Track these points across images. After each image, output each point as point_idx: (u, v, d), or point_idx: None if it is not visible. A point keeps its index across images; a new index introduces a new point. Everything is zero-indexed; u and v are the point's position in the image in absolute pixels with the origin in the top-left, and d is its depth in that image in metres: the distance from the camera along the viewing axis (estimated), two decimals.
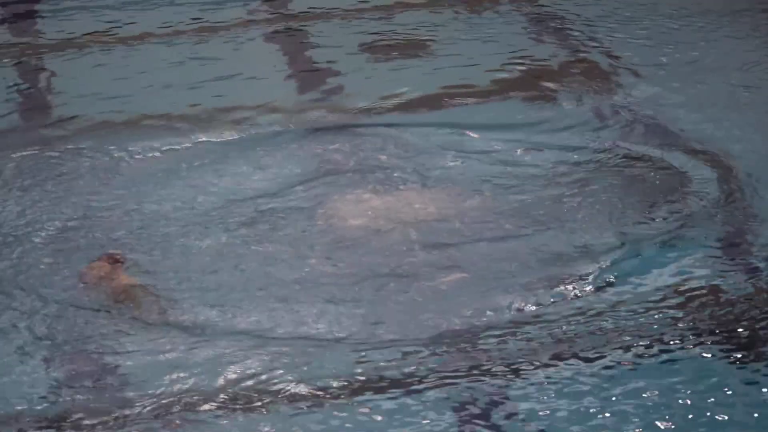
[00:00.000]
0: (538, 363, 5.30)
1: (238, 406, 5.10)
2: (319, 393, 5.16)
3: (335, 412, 5.07)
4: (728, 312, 5.58)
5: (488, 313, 5.62)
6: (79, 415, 5.09)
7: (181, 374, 5.27)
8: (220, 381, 5.23)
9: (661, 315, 5.56)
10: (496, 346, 5.40)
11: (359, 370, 5.28)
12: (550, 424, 4.98)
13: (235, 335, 5.49)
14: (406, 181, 6.71)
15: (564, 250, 6.05)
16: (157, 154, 7.08)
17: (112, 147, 7.14)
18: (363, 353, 5.38)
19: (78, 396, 5.20)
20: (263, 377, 5.24)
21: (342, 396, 5.16)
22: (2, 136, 7.43)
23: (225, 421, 5.04)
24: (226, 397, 5.15)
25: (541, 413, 5.03)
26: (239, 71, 8.19)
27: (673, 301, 5.66)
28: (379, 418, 5.05)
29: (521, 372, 5.25)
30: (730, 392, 5.10)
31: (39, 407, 5.15)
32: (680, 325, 5.49)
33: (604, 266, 5.91)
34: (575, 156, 6.92)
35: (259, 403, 5.12)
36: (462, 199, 6.52)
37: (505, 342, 5.42)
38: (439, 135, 7.23)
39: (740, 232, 6.21)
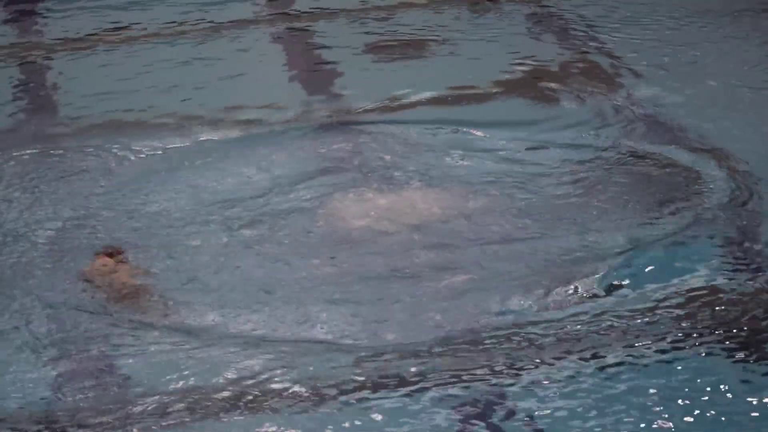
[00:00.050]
0: (539, 362, 5.30)
1: (239, 406, 5.11)
2: (320, 393, 5.17)
3: (336, 413, 5.08)
4: (730, 312, 5.57)
5: (491, 313, 5.61)
6: (80, 414, 5.10)
7: (182, 374, 5.27)
8: (222, 381, 5.24)
9: (663, 315, 5.55)
10: (499, 346, 5.40)
11: (360, 371, 5.29)
12: (550, 424, 4.99)
13: (236, 335, 5.50)
14: (409, 181, 6.70)
15: (568, 250, 6.03)
16: (160, 153, 7.09)
17: (115, 146, 7.15)
18: (364, 354, 5.38)
19: (79, 396, 5.20)
20: (264, 377, 5.25)
21: (343, 396, 5.16)
22: (6, 135, 7.45)
23: (226, 421, 5.05)
24: (227, 396, 5.16)
25: (540, 413, 5.04)
26: (243, 71, 8.20)
27: (675, 301, 5.65)
28: (380, 418, 5.05)
29: (522, 372, 5.25)
30: (730, 392, 5.09)
31: (39, 407, 5.16)
32: (682, 324, 5.48)
33: (607, 266, 5.90)
34: (579, 155, 6.92)
35: (261, 403, 5.12)
36: (466, 198, 6.51)
37: (507, 342, 5.42)
38: (442, 134, 7.23)
39: (742, 231, 6.21)
